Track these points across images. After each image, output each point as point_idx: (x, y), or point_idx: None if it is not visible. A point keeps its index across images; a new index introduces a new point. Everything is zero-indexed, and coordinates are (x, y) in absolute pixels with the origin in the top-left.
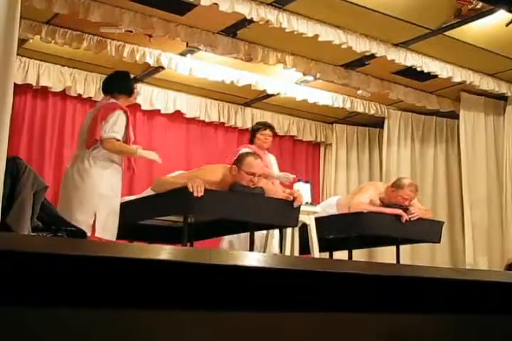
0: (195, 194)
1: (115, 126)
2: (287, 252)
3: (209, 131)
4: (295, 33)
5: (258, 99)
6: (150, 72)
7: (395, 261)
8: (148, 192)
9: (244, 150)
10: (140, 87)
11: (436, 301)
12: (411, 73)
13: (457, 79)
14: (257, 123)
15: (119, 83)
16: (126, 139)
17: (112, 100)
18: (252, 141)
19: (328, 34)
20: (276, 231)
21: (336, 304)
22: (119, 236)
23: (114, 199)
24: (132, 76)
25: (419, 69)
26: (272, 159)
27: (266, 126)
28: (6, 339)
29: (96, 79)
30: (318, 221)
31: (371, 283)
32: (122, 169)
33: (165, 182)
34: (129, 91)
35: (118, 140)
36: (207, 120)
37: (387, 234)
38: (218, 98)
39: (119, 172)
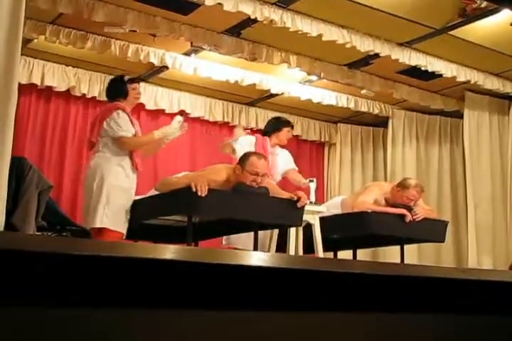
0: (198, 193)
1: (120, 124)
2: (291, 252)
3: (213, 130)
4: (299, 32)
5: (262, 98)
6: (154, 72)
7: (399, 261)
8: (154, 192)
9: (246, 137)
10: (144, 87)
11: (441, 301)
12: (415, 72)
13: (462, 78)
14: (280, 120)
15: (114, 88)
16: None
17: (115, 102)
18: (270, 134)
19: (332, 33)
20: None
21: (340, 303)
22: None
23: (127, 195)
24: (136, 76)
25: (423, 68)
26: (281, 152)
27: (291, 124)
28: (5, 338)
29: (100, 78)
30: (323, 220)
31: (375, 283)
32: (132, 166)
33: (169, 182)
34: (124, 94)
35: (129, 137)
36: (211, 119)
37: (392, 233)
38: (222, 97)
39: (127, 171)
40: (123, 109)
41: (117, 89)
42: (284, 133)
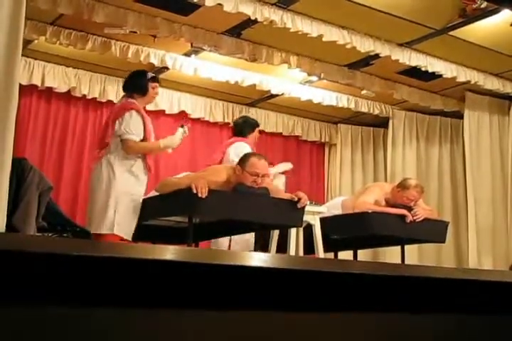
0: (199, 195)
1: (130, 126)
2: (292, 252)
3: (214, 131)
4: (299, 33)
5: (262, 99)
6: (154, 73)
7: (400, 261)
8: (154, 193)
9: (239, 144)
10: None
11: (441, 301)
12: (415, 73)
13: (462, 78)
14: (253, 120)
15: (133, 82)
16: (145, 138)
17: (129, 100)
18: (245, 135)
19: (332, 34)
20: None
21: (340, 303)
22: None
23: (136, 199)
24: (151, 75)
25: (423, 69)
26: None
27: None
28: (5, 338)
29: (101, 79)
30: (323, 221)
31: (376, 283)
32: (144, 169)
33: (169, 183)
34: (143, 91)
35: (136, 141)
36: (211, 120)
37: (392, 234)
38: (223, 98)
39: (136, 174)
40: (137, 109)
41: (138, 84)
42: (256, 134)
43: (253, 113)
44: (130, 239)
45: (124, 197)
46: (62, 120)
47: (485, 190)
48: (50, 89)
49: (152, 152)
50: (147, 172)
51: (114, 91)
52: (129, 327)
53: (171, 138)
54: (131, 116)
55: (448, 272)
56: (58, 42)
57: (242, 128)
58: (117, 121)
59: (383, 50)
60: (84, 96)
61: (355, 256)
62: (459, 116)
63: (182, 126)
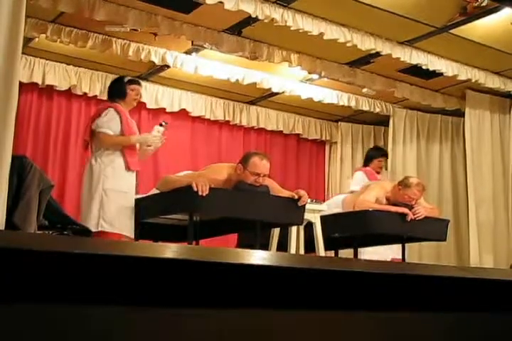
0: (199, 193)
1: (105, 121)
2: (292, 251)
3: (214, 129)
4: (300, 31)
5: (263, 97)
6: (155, 71)
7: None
8: (155, 191)
9: (358, 173)
10: (145, 86)
11: (442, 299)
12: (416, 71)
13: (463, 77)
14: (377, 150)
15: (113, 88)
16: (122, 134)
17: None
18: (367, 164)
19: (333, 32)
20: None
21: (341, 302)
22: None
23: (123, 195)
24: (137, 75)
25: (424, 67)
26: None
27: (384, 154)
28: (4, 337)
29: (101, 77)
30: (324, 219)
31: (376, 282)
32: (124, 166)
33: (170, 180)
34: (122, 95)
35: (109, 134)
36: (212, 118)
37: (393, 232)
38: (223, 96)
39: (118, 169)
40: (114, 107)
41: (116, 90)
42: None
43: (254, 111)
44: (131, 235)
45: (111, 194)
46: (64, 118)
47: (486, 188)
48: (50, 87)
49: (122, 145)
50: (128, 169)
51: None
52: (129, 327)
53: (144, 135)
54: (108, 112)
55: (448, 270)
56: (59, 40)
57: (368, 158)
58: (95, 120)
59: (384, 48)
60: (85, 94)
61: (355, 254)
62: (459, 114)
63: (161, 125)
